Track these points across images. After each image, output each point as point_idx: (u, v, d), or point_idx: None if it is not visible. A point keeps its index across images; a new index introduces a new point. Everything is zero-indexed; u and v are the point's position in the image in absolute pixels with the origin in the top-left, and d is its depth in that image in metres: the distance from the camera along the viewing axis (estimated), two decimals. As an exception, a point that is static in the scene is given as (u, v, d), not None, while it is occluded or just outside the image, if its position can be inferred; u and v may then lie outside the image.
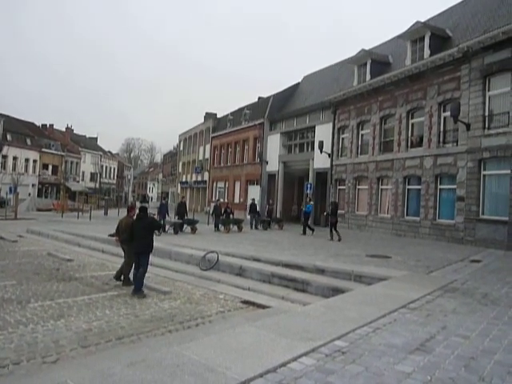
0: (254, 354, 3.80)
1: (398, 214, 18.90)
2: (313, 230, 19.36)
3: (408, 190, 18.79)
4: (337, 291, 7.72)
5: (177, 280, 9.85)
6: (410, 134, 18.88)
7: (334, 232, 16.29)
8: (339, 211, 22.88)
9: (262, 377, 3.38)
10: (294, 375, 3.44)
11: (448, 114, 16.45)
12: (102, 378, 3.30)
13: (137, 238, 8.57)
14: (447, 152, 16.64)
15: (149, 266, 11.14)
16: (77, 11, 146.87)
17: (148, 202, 65.66)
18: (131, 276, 8.96)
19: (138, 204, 57.61)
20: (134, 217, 9.19)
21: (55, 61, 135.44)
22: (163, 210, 18.26)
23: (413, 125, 18.87)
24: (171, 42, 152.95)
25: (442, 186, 17.10)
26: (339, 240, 15.79)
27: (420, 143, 18.16)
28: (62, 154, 59.38)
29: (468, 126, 15.51)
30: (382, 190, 20.42)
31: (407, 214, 18.66)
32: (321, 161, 24.58)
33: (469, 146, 15.55)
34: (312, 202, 21.19)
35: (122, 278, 9.21)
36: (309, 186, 25.31)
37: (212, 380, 3.25)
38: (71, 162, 62.81)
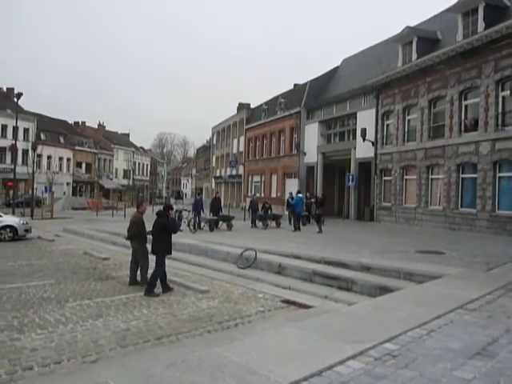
0: (298, 357, 3.79)
1: (452, 206, 18.21)
2: (298, 228, 18.11)
3: (462, 179, 18.07)
4: (385, 290, 7.56)
5: (214, 278, 9.98)
6: (463, 118, 18.09)
7: (320, 224, 17.07)
8: (384, 204, 22.50)
9: (307, 380, 3.37)
10: (341, 379, 3.40)
11: (507, 92, 15.65)
12: (142, 378, 3.40)
13: (152, 238, 8.78)
14: (507, 135, 15.81)
15: (185, 264, 11.38)
16: (97, 10, 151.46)
17: (182, 199, 67.12)
18: (143, 277, 9.09)
19: (172, 200, 58.90)
20: (143, 213, 9.39)
21: (79, 61, 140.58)
22: (198, 206, 18.54)
23: (466, 107, 18.06)
24: (208, 32, 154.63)
25: (501, 174, 16.30)
26: (319, 232, 16.60)
27: (475, 127, 17.36)
28: (95, 151, 61.74)
29: (531, 106, 14.65)
30: (432, 179, 19.76)
31: (462, 206, 17.95)
32: (363, 150, 24.10)
33: (532, 129, 14.70)
34: (300, 195, 20.43)
35: (140, 278, 9.25)
36: (351, 177, 24.91)
37: (254, 383, 3.27)
38: (104, 160, 65.20)
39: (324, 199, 18.83)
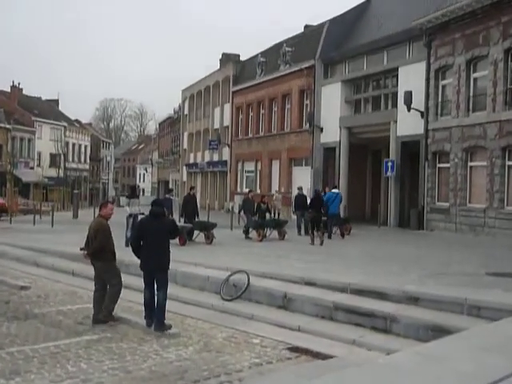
0: (312, 431, 3.82)
1: (539, 207, 18.36)
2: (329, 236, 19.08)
3: (554, 166, 18.24)
4: (440, 331, 7.62)
5: (187, 316, 10.01)
6: (555, 75, 18.23)
7: (315, 232, 17.60)
8: (439, 204, 22.57)
9: None
10: None
11: None
12: None
13: (150, 247, 8.96)
14: None
15: (140, 295, 11.43)
16: None
17: (138, 197, 66.90)
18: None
19: (123, 200, 58.66)
20: (110, 217, 9.61)
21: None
22: (168, 208, 18.43)
23: (560, 59, 18.21)
24: None
25: None
26: (321, 244, 17.08)
27: None
28: (7, 126, 61.35)
29: None
30: (510, 167, 19.90)
31: (554, 207, 18.12)
32: (408, 124, 24.21)
33: None
34: (336, 190, 20.72)
35: (103, 311, 9.32)
36: (390, 164, 24.97)
37: None
38: (21, 139, 64.87)
39: (319, 197, 18.99)
